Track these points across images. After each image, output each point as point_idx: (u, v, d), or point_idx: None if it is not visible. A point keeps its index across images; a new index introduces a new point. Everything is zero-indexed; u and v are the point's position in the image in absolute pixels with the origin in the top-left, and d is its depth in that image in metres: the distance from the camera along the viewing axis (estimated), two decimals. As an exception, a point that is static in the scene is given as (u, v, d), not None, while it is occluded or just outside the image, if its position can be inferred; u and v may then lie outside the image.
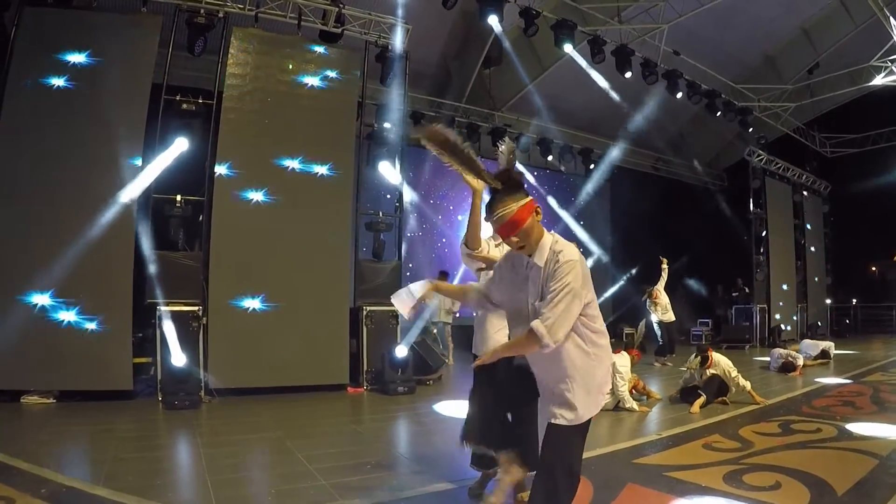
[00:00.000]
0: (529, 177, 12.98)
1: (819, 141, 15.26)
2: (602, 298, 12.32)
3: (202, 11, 6.45)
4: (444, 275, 9.57)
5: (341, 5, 7.16)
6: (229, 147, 6.33)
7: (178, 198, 6.24)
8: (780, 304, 13.30)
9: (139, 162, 5.92)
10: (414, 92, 10.11)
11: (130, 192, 5.82)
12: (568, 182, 14.45)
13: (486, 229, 2.60)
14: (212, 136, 6.33)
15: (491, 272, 2.42)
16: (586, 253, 12.62)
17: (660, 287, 9.43)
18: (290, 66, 6.79)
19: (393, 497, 3.02)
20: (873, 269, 16.27)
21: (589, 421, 2.09)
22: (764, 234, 13.18)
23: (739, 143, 14.48)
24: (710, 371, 5.60)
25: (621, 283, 13.95)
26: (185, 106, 6.33)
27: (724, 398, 5.57)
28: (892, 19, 9.19)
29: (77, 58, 5.81)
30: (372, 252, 7.45)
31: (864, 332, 15.24)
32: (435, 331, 9.23)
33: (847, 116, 14.44)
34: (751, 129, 12.69)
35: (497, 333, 2.92)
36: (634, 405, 5.31)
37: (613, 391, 5.24)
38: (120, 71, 5.89)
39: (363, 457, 3.81)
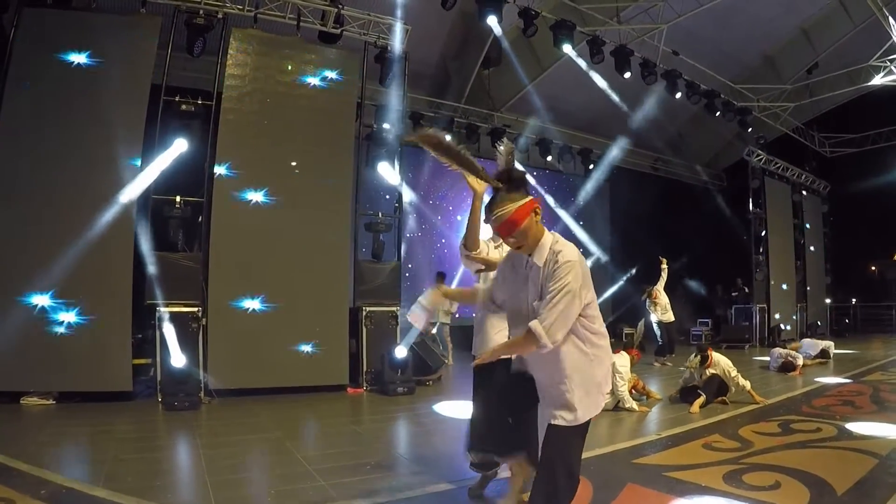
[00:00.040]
0: (529, 177, 12.94)
1: (818, 141, 15.25)
2: (602, 298, 12.20)
3: (201, 12, 6.44)
4: (442, 276, 9.52)
5: (340, 6, 7.16)
6: (228, 148, 6.33)
7: (178, 198, 6.23)
8: (780, 303, 13.29)
9: (138, 163, 5.92)
10: (413, 92, 10.10)
11: (130, 193, 5.81)
12: (567, 182, 14.43)
13: (486, 231, 2.60)
14: (211, 136, 6.33)
15: (490, 273, 2.43)
16: (586, 253, 12.55)
17: (659, 287, 9.45)
18: (290, 67, 6.79)
19: (392, 497, 3.02)
20: (873, 268, 16.25)
21: (588, 422, 2.09)
22: (763, 233, 13.15)
23: (739, 143, 14.47)
24: (709, 371, 5.60)
25: (621, 283, 13.91)
26: (184, 107, 6.31)
27: (724, 398, 5.57)
28: (890, 19, 9.18)
29: (76, 59, 5.81)
30: (371, 252, 7.44)
31: (863, 332, 15.22)
32: (434, 331, 9.22)
33: (846, 116, 14.43)
34: (750, 129, 12.67)
35: (497, 334, 2.93)
36: (634, 405, 5.32)
37: (613, 391, 5.24)
38: (119, 72, 5.88)
39: (363, 457, 3.81)
